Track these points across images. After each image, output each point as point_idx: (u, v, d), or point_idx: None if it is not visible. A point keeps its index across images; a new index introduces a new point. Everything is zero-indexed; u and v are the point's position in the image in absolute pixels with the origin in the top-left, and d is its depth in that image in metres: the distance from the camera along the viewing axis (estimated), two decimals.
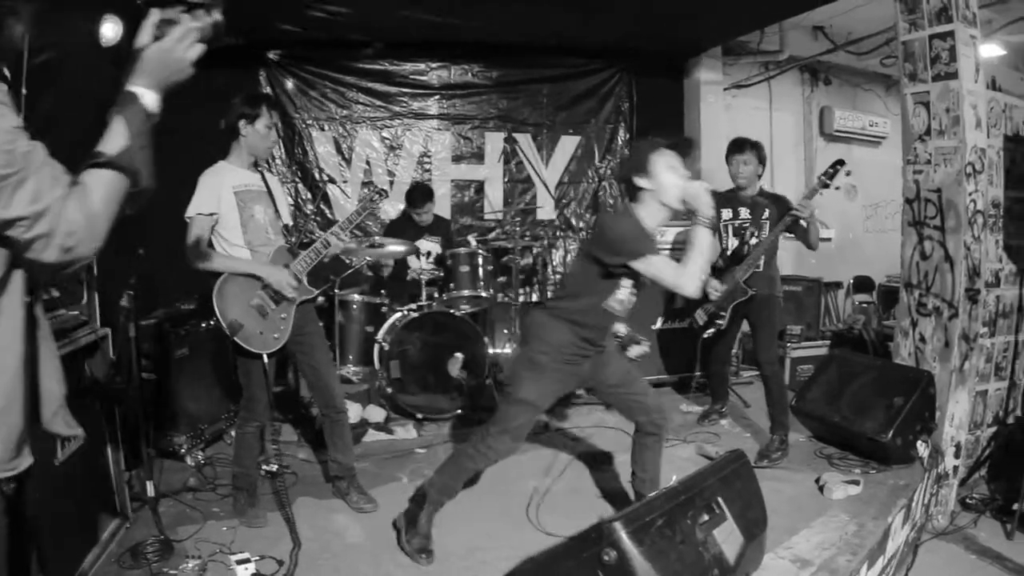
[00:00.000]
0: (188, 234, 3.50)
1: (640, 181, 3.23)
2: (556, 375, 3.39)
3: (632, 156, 3.47)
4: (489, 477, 4.44)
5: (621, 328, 3.73)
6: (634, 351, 3.68)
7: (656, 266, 3.16)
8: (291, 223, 3.84)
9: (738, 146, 4.89)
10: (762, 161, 4.93)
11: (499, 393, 5.80)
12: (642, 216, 3.27)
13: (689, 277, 3.13)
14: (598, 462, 4.70)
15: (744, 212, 4.90)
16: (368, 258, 5.81)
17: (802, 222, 4.61)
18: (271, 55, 6.96)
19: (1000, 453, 4.93)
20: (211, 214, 3.52)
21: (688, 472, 3.20)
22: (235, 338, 3.48)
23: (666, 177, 3.19)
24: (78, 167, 1.56)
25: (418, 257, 6.05)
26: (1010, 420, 5.09)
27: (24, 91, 3.79)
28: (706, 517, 2.81)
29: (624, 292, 3.32)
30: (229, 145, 3.67)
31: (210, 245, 3.57)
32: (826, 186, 4.59)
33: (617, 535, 2.46)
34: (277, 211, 3.76)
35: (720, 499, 2.91)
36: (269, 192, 3.73)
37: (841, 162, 4.63)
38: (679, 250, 6.32)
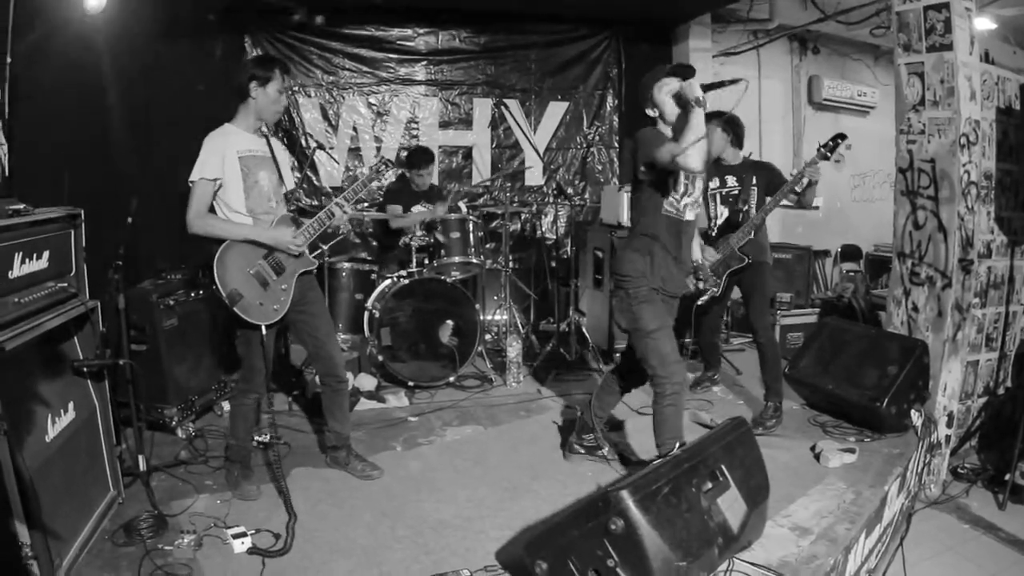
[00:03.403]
0: (190, 199, 3.39)
1: (650, 112, 3.62)
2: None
3: (641, 92, 3.67)
4: (482, 447, 4.44)
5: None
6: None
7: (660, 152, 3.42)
8: (295, 188, 3.74)
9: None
10: (735, 131, 4.90)
11: (490, 360, 5.78)
12: (665, 133, 3.59)
13: (684, 151, 3.27)
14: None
15: (731, 180, 4.88)
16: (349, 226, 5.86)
17: (800, 185, 4.56)
18: (256, 21, 6.81)
19: (991, 424, 4.99)
20: (215, 179, 3.40)
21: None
22: (234, 308, 3.40)
23: (666, 100, 3.53)
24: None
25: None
26: (1000, 391, 5.13)
27: (8, 59, 3.70)
28: (710, 485, 2.81)
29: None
30: (236, 107, 3.54)
31: (211, 210, 3.46)
32: (826, 158, 4.55)
33: (624, 504, 2.44)
34: (281, 178, 3.67)
35: (723, 467, 2.91)
36: (274, 158, 3.63)
37: (843, 136, 4.59)
38: None
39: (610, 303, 6.24)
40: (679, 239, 3.69)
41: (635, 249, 3.68)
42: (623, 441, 4.51)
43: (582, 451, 4.23)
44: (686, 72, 3.49)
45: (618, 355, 6.22)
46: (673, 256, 3.67)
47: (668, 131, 3.56)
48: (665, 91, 3.52)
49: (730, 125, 4.84)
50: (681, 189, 3.62)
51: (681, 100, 3.40)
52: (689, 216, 3.71)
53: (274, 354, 5.56)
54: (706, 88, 3.35)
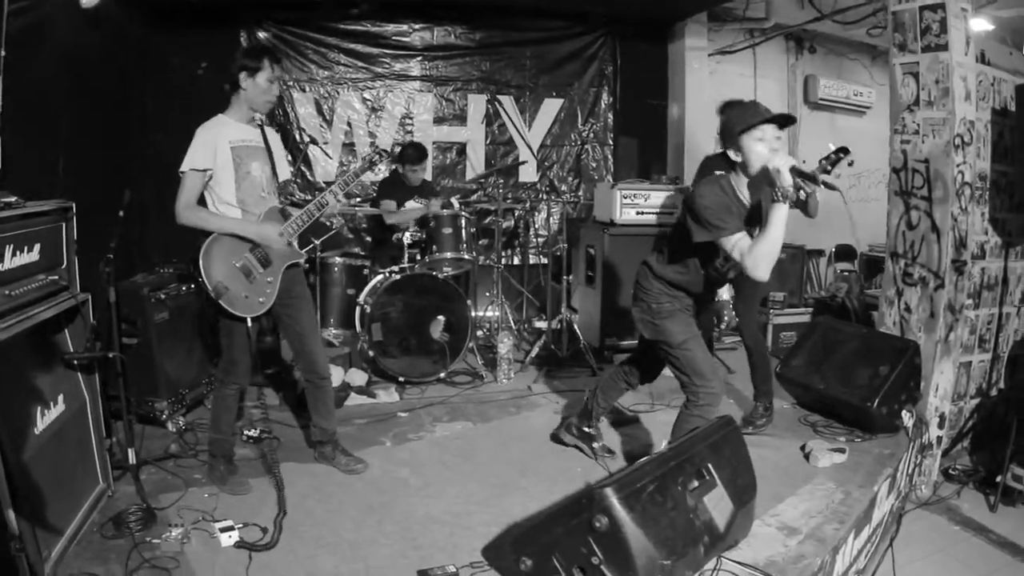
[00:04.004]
0: (180, 189, 3.39)
1: (731, 155, 3.24)
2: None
3: (725, 129, 3.29)
4: (471, 443, 4.44)
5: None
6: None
7: (726, 244, 3.16)
8: (290, 179, 3.73)
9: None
10: None
11: (481, 356, 5.78)
12: (738, 185, 3.29)
13: (755, 259, 3.06)
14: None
15: None
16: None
17: (802, 193, 4.48)
18: (251, 15, 6.79)
19: (983, 425, 4.99)
20: (205, 170, 3.40)
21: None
22: (220, 301, 3.40)
23: (755, 149, 3.15)
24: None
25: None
26: (993, 392, 5.13)
27: (3, 53, 3.68)
28: (696, 483, 2.81)
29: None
30: (229, 98, 3.54)
31: (202, 201, 3.46)
32: (827, 171, 4.46)
33: (608, 501, 2.44)
34: (274, 168, 3.66)
35: (710, 465, 2.91)
36: (267, 148, 3.62)
37: (845, 150, 4.52)
38: (666, 214, 6.26)
39: (602, 300, 6.24)
40: (713, 288, 3.61)
41: (662, 284, 3.56)
42: (624, 437, 4.53)
43: (575, 434, 4.23)
44: (785, 121, 3.21)
45: (608, 350, 6.26)
46: (701, 299, 3.62)
47: (743, 185, 3.27)
48: (755, 138, 3.14)
49: None
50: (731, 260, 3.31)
51: (768, 178, 3.10)
52: (731, 275, 3.57)
53: (257, 348, 5.61)
54: (799, 175, 3.05)
